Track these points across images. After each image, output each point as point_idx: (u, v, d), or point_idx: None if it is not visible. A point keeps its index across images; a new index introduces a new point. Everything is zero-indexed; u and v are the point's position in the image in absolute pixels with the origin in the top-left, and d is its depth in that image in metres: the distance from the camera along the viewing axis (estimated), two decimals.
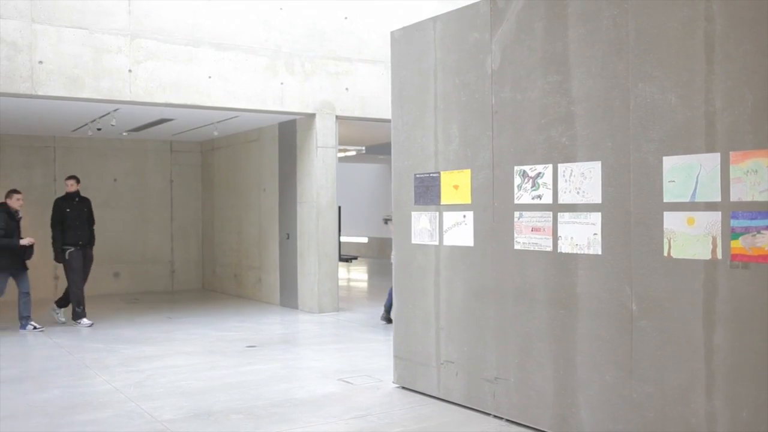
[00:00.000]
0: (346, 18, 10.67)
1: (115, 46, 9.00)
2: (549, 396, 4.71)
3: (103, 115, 10.47)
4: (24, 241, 9.11)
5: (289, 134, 11.17)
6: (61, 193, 12.93)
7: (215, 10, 9.72)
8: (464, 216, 5.38)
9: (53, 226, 9.75)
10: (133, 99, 9.20)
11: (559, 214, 4.65)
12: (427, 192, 5.74)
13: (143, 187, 13.85)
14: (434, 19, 5.73)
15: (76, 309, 9.73)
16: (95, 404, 5.80)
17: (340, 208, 12.28)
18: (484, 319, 5.21)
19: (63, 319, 9.88)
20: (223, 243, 13.57)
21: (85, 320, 9.67)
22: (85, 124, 11.37)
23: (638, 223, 4.18)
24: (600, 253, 4.39)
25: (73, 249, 9.70)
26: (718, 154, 3.80)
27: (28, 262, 9.35)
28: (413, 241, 5.88)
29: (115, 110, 10.03)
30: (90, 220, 10.08)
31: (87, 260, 9.96)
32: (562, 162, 4.62)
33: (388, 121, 6.34)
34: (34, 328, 9.24)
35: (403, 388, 6.01)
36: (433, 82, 5.70)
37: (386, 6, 10.86)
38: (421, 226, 5.79)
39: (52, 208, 9.88)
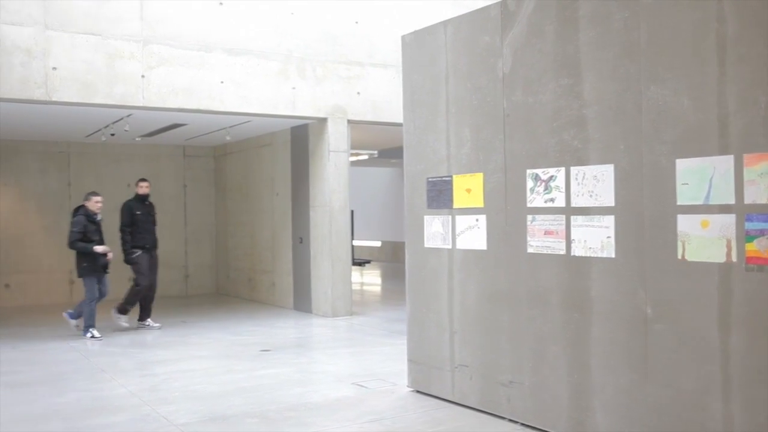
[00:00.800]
0: (357, 22, 10.70)
1: (127, 51, 9.06)
2: (564, 399, 4.71)
3: (117, 121, 10.54)
4: (99, 249, 9.02)
5: (301, 139, 11.20)
6: (77, 199, 13.10)
7: (227, 16, 9.76)
8: (477, 219, 5.38)
9: (123, 228, 9.65)
10: (145, 104, 9.25)
11: (572, 217, 4.65)
12: (440, 196, 5.74)
13: (157, 192, 13.82)
14: (445, 23, 5.74)
15: (126, 306, 9.68)
16: (111, 408, 5.84)
17: (353, 212, 12.30)
18: (498, 323, 5.20)
19: (158, 325, 9.84)
20: (237, 247, 13.62)
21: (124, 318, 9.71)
22: (99, 130, 11.45)
23: (652, 225, 4.17)
24: (613, 256, 4.38)
25: (140, 252, 9.68)
26: (732, 157, 3.79)
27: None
28: (426, 245, 5.89)
29: (129, 116, 10.09)
30: (154, 224, 10.09)
31: (154, 262, 9.95)
32: (575, 165, 4.62)
33: (400, 125, 6.35)
34: (92, 336, 9.10)
35: (418, 392, 6.01)
36: (444, 86, 5.71)
37: (397, 10, 10.87)
38: (434, 229, 5.80)
39: (123, 210, 9.75)
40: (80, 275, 9.16)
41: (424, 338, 5.93)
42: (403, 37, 6.22)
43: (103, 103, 9.01)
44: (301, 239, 11.20)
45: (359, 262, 19.37)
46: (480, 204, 5.36)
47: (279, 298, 11.99)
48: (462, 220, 5.53)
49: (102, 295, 9.21)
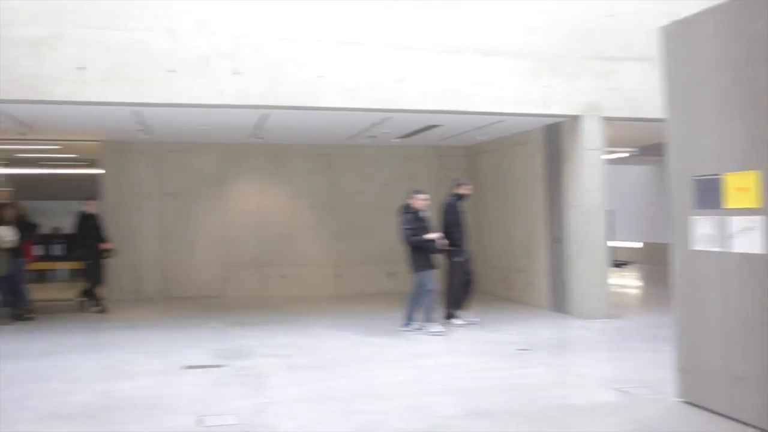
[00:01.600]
0: (610, 15, 10.33)
1: (384, 58, 9.53)
2: None
3: (376, 124, 11.14)
4: (431, 236, 9.46)
5: (555, 137, 11.09)
6: (340, 198, 14.11)
7: (475, 17, 9.92)
8: (753, 221, 5.01)
9: (452, 228, 9.89)
10: (402, 107, 9.68)
11: None
12: (709, 195, 5.41)
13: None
14: (710, 10, 5.38)
15: (452, 310, 10.07)
16: (378, 395, 6.22)
17: (613, 212, 11.86)
18: None
19: (464, 321, 9.97)
20: (491, 245, 13.77)
21: (457, 320, 9.97)
22: (359, 132, 12.18)
23: None
24: None
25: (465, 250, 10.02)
26: None
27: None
28: (694, 248, 5.58)
29: (387, 119, 10.63)
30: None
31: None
32: None
33: (659, 120, 6.07)
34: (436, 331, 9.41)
35: (687, 403, 5.69)
36: (710, 78, 5.37)
37: (652, 1, 10.33)
38: (703, 231, 5.48)
39: (447, 210, 10.01)
40: (416, 270, 9.49)
41: (694, 347, 5.62)
42: (663, 28, 5.94)
43: (364, 107, 9.58)
44: (557, 239, 11.07)
45: (618, 264, 18.61)
46: (756, 204, 4.98)
47: (534, 298, 11.95)
48: (735, 222, 5.17)
49: (431, 290, 9.49)
